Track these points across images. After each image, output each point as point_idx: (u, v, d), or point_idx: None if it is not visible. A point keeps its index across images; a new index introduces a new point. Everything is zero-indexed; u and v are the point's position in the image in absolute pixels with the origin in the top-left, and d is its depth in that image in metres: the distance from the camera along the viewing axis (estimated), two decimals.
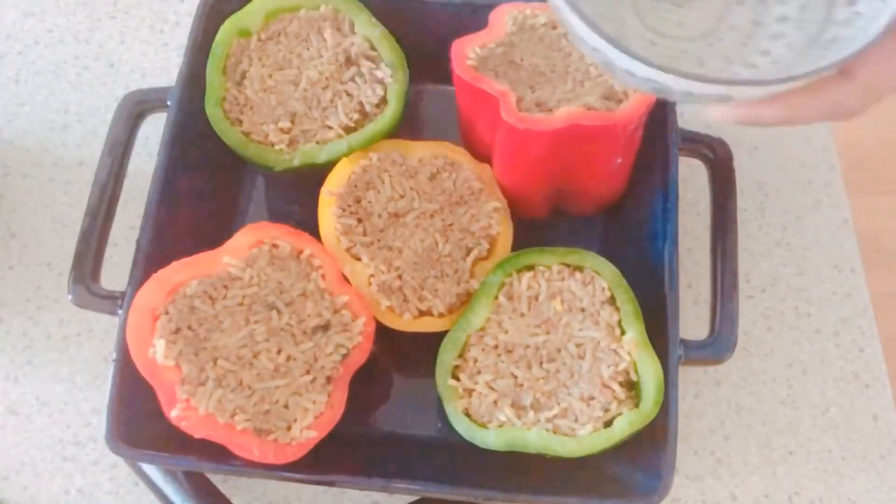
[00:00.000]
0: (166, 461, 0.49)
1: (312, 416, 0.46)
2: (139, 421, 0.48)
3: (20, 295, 0.60)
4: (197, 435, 0.45)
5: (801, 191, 0.62)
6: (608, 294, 0.50)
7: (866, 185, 1.40)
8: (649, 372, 0.47)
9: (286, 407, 0.46)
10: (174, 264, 0.47)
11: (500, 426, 0.47)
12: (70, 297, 0.51)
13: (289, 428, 0.46)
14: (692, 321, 0.57)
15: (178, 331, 0.46)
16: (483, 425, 0.47)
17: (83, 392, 0.57)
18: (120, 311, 0.50)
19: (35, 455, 0.56)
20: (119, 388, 0.48)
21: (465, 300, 0.51)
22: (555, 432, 0.46)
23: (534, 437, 0.46)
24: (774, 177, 0.63)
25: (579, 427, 0.46)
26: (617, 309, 0.49)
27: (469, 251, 0.52)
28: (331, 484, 0.48)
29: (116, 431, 0.47)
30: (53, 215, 0.62)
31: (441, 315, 0.51)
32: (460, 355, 0.49)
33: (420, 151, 0.54)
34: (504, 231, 0.53)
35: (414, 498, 0.52)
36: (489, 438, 0.47)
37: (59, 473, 0.55)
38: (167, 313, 0.46)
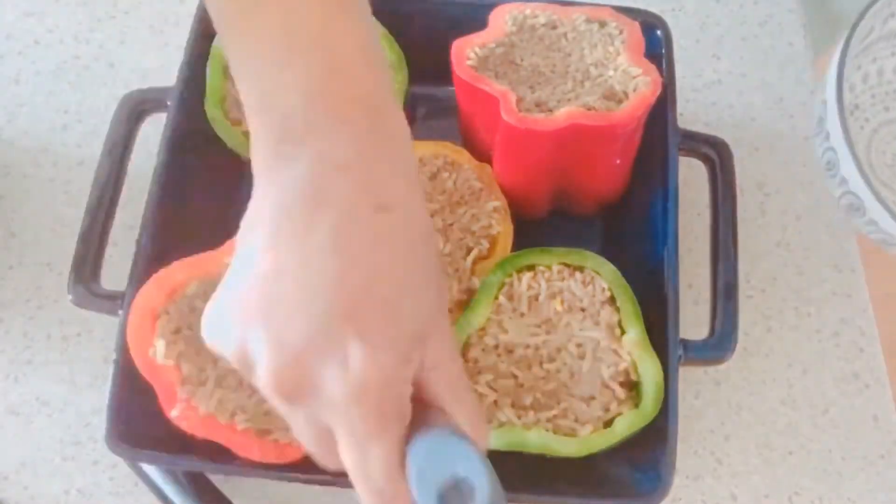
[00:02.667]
0: (166, 461, 0.49)
1: None
2: (139, 421, 0.48)
3: (20, 295, 0.60)
4: (197, 435, 0.45)
5: (802, 191, 0.62)
6: (608, 294, 0.50)
7: None
8: (649, 372, 0.47)
9: None
10: (174, 264, 0.47)
11: (501, 426, 0.47)
12: (70, 297, 0.51)
13: (288, 428, 0.46)
14: (692, 321, 0.57)
15: (178, 331, 0.46)
16: None
17: (83, 392, 0.57)
18: (120, 311, 0.49)
19: (35, 455, 0.56)
20: (119, 388, 0.48)
21: (467, 299, 0.51)
22: (555, 432, 0.46)
23: (534, 437, 0.46)
24: (775, 177, 0.63)
25: (579, 427, 0.46)
26: (617, 309, 0.49)
27: (469, 251, 0.52)
28: (331, 484, 0.48)
29: (116, 431, 0.47)
30: (53, 215, 0.62)
31: None
32: (461, 355, 0.49)
33: (420, 151, 0.54)
34: (504, 231, 0.53)
35: None
36: (489, 439, 0.47)
37: (59, 473, 0.55)
38: (167, 313, 0.46)
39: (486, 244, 0.52)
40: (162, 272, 0.47)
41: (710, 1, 0.68)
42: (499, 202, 0.53)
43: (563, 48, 0.53)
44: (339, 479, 0.47)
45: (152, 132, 0.56)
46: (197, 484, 0.53)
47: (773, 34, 0.67)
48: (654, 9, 0.57)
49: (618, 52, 0.52)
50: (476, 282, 0.51)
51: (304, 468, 0.46)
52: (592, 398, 0.47)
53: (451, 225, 0.52)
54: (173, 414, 0.45)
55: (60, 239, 0.61)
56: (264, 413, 0.46)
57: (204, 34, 0.55)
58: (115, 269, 0.54)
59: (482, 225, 0.52)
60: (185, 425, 0.45)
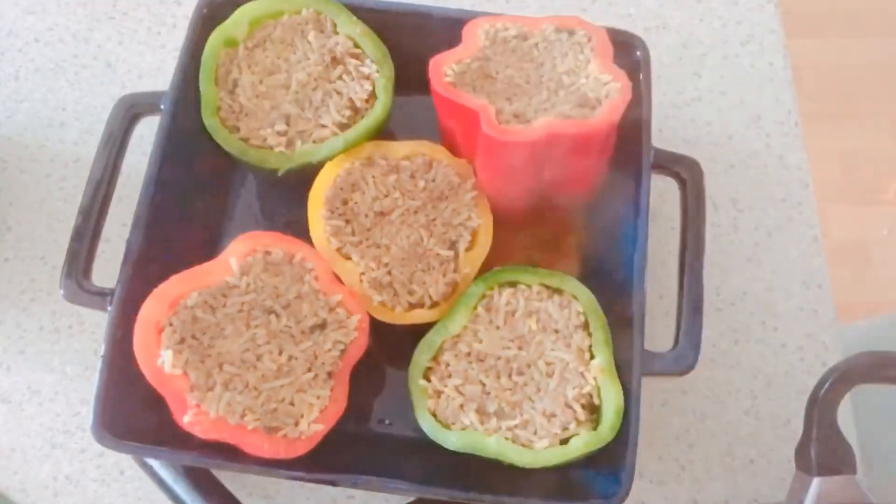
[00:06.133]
0: (149, 452, 0.51)
1: (318, 410, 0.48)
2: (125, 413, 0.50)
3: (14, 287, 0.62)
4: (210, 437, 0.46)
5: (774, 208, 0.64)
6: (583, 319, 0.51)
7: (858, 195, 1.42)
8: (611, 399, 0.49)
9: (292, 404, 0.48)
10: (172, 279, 0.49)
11: (463, 429, 0.49)
12: (61, 292, 0.52)
13: (296, 423, 0.48)
14: (662, 332, 0.58)
15: (182, 340, 0.47)
16: (447, 426, 0.49)
17: (73, 382, 0.59)
18: (109, 308, 0.51)
19: (25, 442, 0.58)
20: (106, 381, 0.49)
21: (451, 292, 0.53)
22: (513, 442, 0.48)
23: (493, 443, 0.48)
24: (748, 194, 0.65)
25: (537, 440, 0.48)
26: (589, 334, 0.51)
27: (453, 244, 0.54)
28: (331, 483, 0.50)
29: (102, 423, 0.49)
30: (49, 210, 0.64)
31: (431, 306, 0.53)
32: (434, 358, 0.51)
33: (401, 151, 0.56)
34: (485, 223, 0.55)
35: (411, 498, 0.54)
36: (450, 439, 0.49)
37: (48, 460, 0.57)
38: (171, 325, 0.47)
39: (467, 236, 0.54)
40: (161, 287, 0.48)
41: (694, 19, 0.70)
42: (477, 196, 0.55)
43: (536, 58, 0.54)
44: (339, 477, 0.49)
45: (147, 132, 0.57)
46: (195, 475, 0.55)
47: (753, 54, 0.69)
48: (638, 25, 0.58)
49: (588, 60, 0.53)
50: (459, 276, 0.53)
51: (301, 466, 0.48)
52: (553, 415, 0.49)
53: (434, 220, 0.54)
54: (185, 420, 0.46)
55: (55, 234, 0.63)
56: (272, 411, 0.48)
57: (197, 41, 0.57)
58: (108, 265, 0.56)
59: (463, 218, 0.54)
60: (198, 430, 0.46)
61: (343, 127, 0.56)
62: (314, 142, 0.56)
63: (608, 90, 0.52)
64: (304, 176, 0.55)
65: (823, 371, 0.59)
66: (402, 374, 0.52)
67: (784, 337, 0.61)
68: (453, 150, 0.57)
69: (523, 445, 0.48)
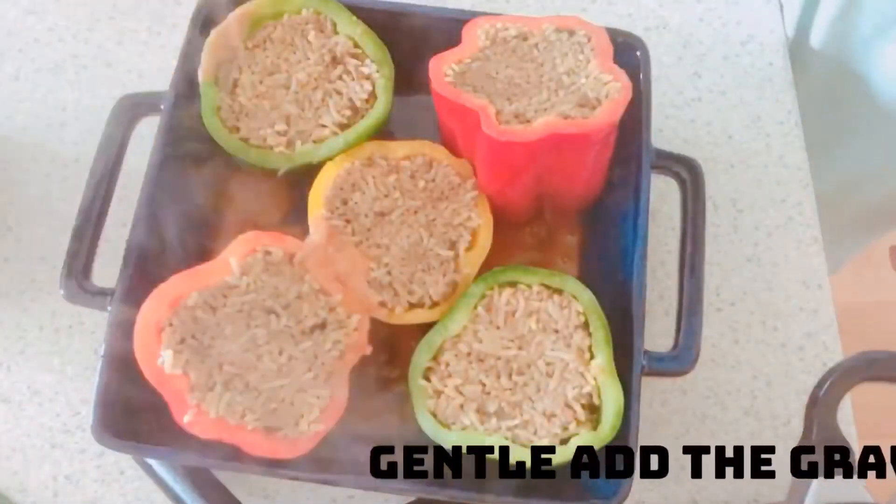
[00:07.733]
0: (149, 452, 0.51)
1: (318, 410, 0.48)
2: (125, 413, 0.50)
3: (14, 287, 0.62)
4: (210, 437, 0.46)
5: (774, 208, 0.64)
6: (583, 319, 0.51)
7: None
8: (611, 398, 0.49)
9: (292, 404, 0.48)
10: (172, 278, 0.49)
11: (464, 429, 0.49)
12: (61, 292, 0.52)
13: (296, 423, 0.48)
14: (662, 331, 0.58)
15: (183, 341, 0.47)
16: (447, 426, 0.49)
17: (73, 382, 0.59)
18: (109, 308, 0.51)
19: (25, 442, 0.58)
20: (106, 382, 0.50)
21: (451, 292, 0.53)
22: (513, 442, 0.48)
23: (493, 443, 0.48)
24: (748, 194, 0.65)
25: (537, 440, 0.48)
26: (589, 334, 0.51)
27: (453, 244, 0.54)
28: (333, 483, 0.50)
29: (102, 423, 0.49)
30: (49, 210, 0.64)
31: (431, 306, 0.53)
32: (434, 358, 0.51)
33: (400, 151, 0.56)
34: (485, 223, 0.55)
35: (411, 498, 0.54)
36: (451, 438, 0.49)
37: (48, 460, 0.57)
38: (171, 325, 0.48)
39: (467, 236, 0.54)
40: (161, 287, 0.48)
41: (694, 19, 0.70)
42: (477, 196, 0.55)
43: (536, 58, 0.54)
44: (339, 478, 0.48)
45: (147, 131, 0.57)
46: (195, 475, 0.55)
47: (753, 53, 0.69)
48: (638, 25, 0.58)
49: (588, 60, 0.54)
50: (460, 275, 0.53)
51: (301, 466, 0.48)
52: (553, 415, 0.49)
53: (434, 220, 0.54)
54: (186, 420, 0.46)
55: (55, 234, 0.63)
56: (272, 411, 0.48)
57: (198, 41, 0.57)
58: (108, 264, 0.56)
59: (463, 218, 0.54)
60: (198, 430, 0.46)
61: (343, 127, 0.56)
62: (314, 142, 0.56)
63: (608, 90, 0.52)
64: (305, 176, 0.55)
65: (823, 371, 0.60)
66: (403, 374, 0.52)
67: (784, 337, 0.61)
68: (453, 150, 0.57)
69: (523, 445, 0.48)
